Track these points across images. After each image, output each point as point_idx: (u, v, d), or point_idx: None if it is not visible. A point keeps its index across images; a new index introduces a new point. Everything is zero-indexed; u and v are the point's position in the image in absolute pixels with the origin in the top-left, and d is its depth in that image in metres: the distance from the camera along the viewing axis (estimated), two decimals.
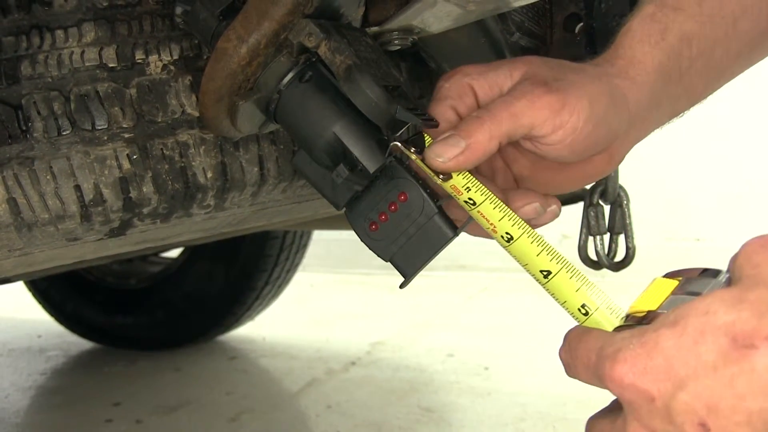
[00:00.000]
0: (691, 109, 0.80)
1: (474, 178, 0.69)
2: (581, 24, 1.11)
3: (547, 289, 0.68)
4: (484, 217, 0.69)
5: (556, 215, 0.74)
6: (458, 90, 0.73)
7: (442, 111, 0.73)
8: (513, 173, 0.78)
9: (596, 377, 0.59)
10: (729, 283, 0.58)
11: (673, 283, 0.63)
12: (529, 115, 0.69)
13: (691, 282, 0.63)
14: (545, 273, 0.67)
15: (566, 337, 0.65)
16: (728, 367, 0.50)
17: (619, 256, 1.33)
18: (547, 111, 0.69)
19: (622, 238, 1.32)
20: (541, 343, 2.54)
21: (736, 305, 0.52)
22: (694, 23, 0.74)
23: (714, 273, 0.63)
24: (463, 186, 0.69)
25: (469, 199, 0.69)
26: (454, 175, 0.69)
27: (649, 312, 0.62)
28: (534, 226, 0.70)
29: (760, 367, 0.49)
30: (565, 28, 1.13)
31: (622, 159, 0.77)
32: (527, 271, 0.69)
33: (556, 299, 0.68)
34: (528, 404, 2.01)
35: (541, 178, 0.76)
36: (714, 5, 0.75)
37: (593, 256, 1.32)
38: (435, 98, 0.74)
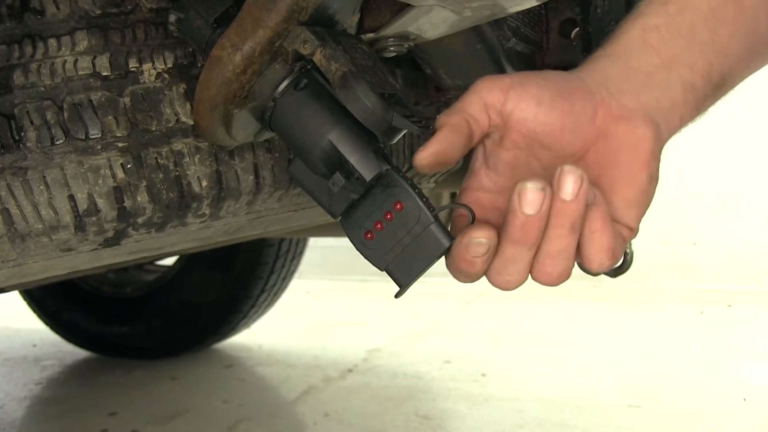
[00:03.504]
0: (720, 93, 0.79)
1: None
2: (577, 29, 1.11)
3: None
4: None
5: None
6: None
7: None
8: None
9: None
10: None
11: None
12: (485, 93, 0.71)
13: None
14: None
15: None
16: None
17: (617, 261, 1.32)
18: (497, 89, 0.71)
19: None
20: (539, 350, 2.54)
21: None
22: (658, 18, 0.76)
23: None
24: None
25: None
26: None
27: None
28: None
29: None
30: (561, 34, 1.13)
31: (645, 119, 0.72)
32: None
33: None
34: (526, 410, 2.01)
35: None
36: (680, 3, 0.76)
37: None
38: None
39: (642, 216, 0.73)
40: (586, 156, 0.73)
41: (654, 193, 0.73)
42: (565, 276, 0.69)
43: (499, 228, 0.68)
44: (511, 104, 0.71)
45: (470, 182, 0.76)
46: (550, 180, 0.66)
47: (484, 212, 0.74)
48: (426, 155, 0.70)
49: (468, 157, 0.76)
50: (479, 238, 0.67)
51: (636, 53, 0.75)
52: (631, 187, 0.72)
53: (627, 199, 0.72)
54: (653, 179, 0.72)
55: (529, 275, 0.70)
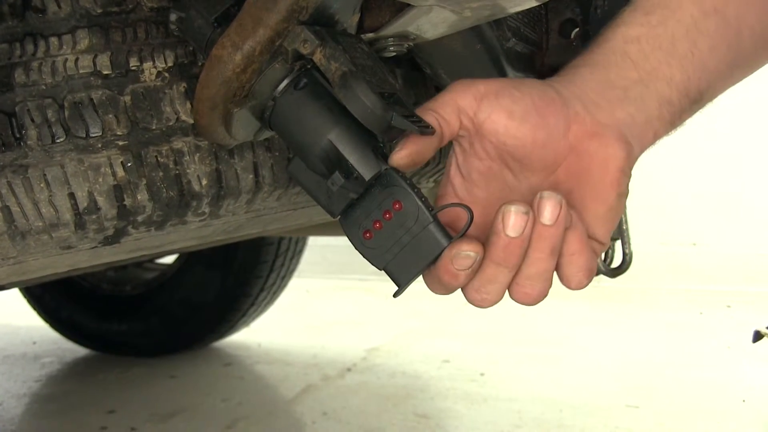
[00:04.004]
0: (696, 107, 0.79)
1: None
2: (577, 29, 1.11)
3: None
4: None
5: None
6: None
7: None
8: None
9: None
10: None
11: None
12: (458, 97, 0.72)
13: None
14: None
15: None
16: None
17: (616, 262, 1.33)
18: (471, 96, 0.72)
19: (618, 244, 1.32)
20: (538, 350, 2.55)
21: None
22: (640, 28, 0.76)
23: None
24: None
25: None
26: None
27: None
28: None
29: None
30: (561, 34, 1.13)
31: (617, 136, 0.73)
32: None
33: None
34: (524, 410, 2.01)
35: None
36: (663, 14, 0.76)
37: None
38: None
39: (611, 230, 0.75)
40: (558, 170, 0.74)
41: (623, 209, 0.75)
42: (543, 296, 0.71)
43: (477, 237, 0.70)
44: (483, 114, 0.72)
45: (446, 190, 0.77)
46: (529, 199, 0.68)
47: (460, 221, 0.74)
48: (403, 155, 0.71)
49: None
50: (468, 251, 0.68)
51: (614, 66, 0.75)
52: (601, 204, 0.73)
53: (597, 215, 0.73)
54: (622, 196, 0.73)
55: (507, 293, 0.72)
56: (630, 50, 0.75)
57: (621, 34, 0.77)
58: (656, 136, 0.77)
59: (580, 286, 0.71)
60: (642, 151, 0.76)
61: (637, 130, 0.74)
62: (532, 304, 0.72)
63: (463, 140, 0.75)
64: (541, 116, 0.72)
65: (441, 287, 0.72)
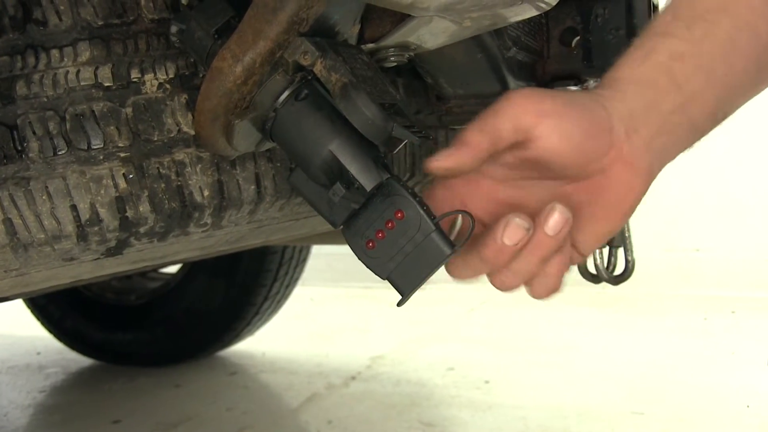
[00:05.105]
0: (715, 127, 0.79)
1: None
2: (578, 38, 1.12)
3: None
4: None
5: None
6: None
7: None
8: None
9: None
10: None
11: None
12: (519, 113, 0.71)
13: None
14: None
15: None
16: None
17: (619, 269, 1.33)
18: (533, 114, 0.71)
19: (621, 251, 1.32)
20: (542, 357, 2.54)
21: None
22: (684, 43, 0.74)
23: None
24: None
25: None
26: None
27: None
28: None
29: None
30: (562, 42, 1.13)
31: (647, 169, 0.74)
32: None
33: None
34: (529, 417, 2.00)
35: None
36: (705, 27, 0.74)
37: (592, 270, 1.31)
38: None
39: (597, 248, 0.76)
40: (580, 182, 0.74)
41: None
42: (514, 289, 0.74)
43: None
44: (541, 132, 0.70)
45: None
46: (535, 206, 0.70)
47: (453, 199, 0.76)
48: (439, 165, 0.70)
49: None
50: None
51: (662, 86, 0.74)
52: (605, 224, 0.74)
53: (598, 232, 0.74)
54: (626, 221, 0.75)
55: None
56: (675, 69, 0.74)
57: (666, 48, 0.74)
58: (673, 158, 0.77)
59: (538, 299, 0.75)
60: (658, 174, 0.76)
61: (664, 156, 0.75)
62: (504, 291, 0.74)
63: None
64: (589, 139, 0.71)
65: (474, 267, 0.73)
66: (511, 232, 0.68)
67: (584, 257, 0.76)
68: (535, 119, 0.70)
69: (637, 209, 0.74)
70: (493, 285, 0.74)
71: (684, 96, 0.74)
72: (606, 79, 0.76)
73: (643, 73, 0.75)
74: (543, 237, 0.68)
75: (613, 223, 0.74)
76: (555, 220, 0.68)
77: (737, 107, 0.80)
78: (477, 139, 0.70)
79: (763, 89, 0.81)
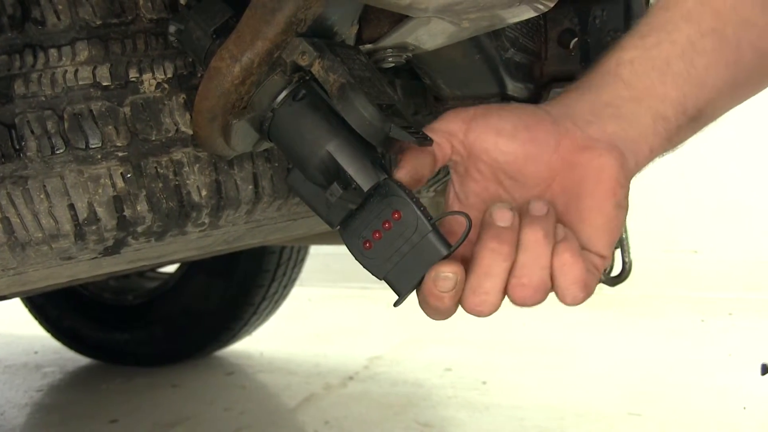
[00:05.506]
0: (696, 123, 0.79)
1: None
2: (576, 39, 1.12)
3: None
4: None
5: None
6: None
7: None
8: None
9: None
10: None
11: None
12: (448, 122, 0.76)
13: None
14: None
15: None
16: None
17: (616, 270, 1.33)
18: (460, 120, 0.76)
19: (618, 252, 1.32)
20: (540, 358, 2.54)
21: None
22: (634, 51, 0.78)
23: None
24: None
25: None
26: None
27: None
28: None
29: None
30: (560, 44, 1.13)
31: (611, 148, 0.74)
32: None
33: None
34: (526, 418, 2.01)
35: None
36: (659, 36, 0.77)
37: None
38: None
39: (613, 243, 0.76)
40: (552, 185, 0.75)
41: (623, 221, 0.75)
42: (541, 291, 0.71)
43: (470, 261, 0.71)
44: (473, 135, 0.75)
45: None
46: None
47: (460, 228, 0.75)
48: (402, 174, 0.73)
49: None
50: (447, 273, 0.69)
51: (606, 87, 0.77)
52: (598, 215, 0.73)
53: (595, 226, 0.74)
54: (620, 207, 0.74)
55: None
56: (622, 72, 0.77)
57: (615, 57, 0.78)
58: (653, 151, 0.77)
59: (576, 301, 0.71)
60: (639, 165, 0.76)
61: (630, 143, 0.75)
62: (530, 301, 0.72)
63: (457, 166, 0.77)
64: (530, 132, 0.73)
65: (432, 311, 0.73)
66: (499, 213, 0.70)
67: (605, 257, 0.74)
68: (462, 124, 0.75)
69: (627, 194, 0.74)
70: (516, 298, 0.72)
71: (633, 90, 0.76)
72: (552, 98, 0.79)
73: (586, 81, 0.78)
74: (534, 218, 0.70)
75: (606, 210, 0.73)
76: (537, 203, 0.71)
77: (723, 106, 0.81)
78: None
79: (750, 92, 0.82)
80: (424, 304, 0.73)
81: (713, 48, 0.77)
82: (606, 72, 0.78)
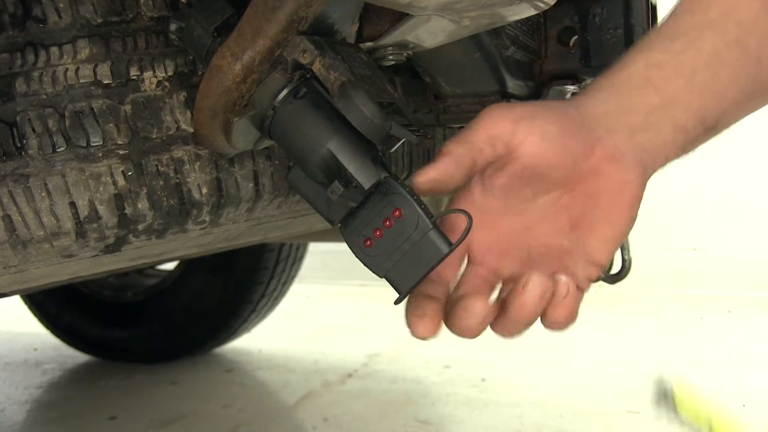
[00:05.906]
0: (712, 133, 0.80)
1: None
2: (576, 37, 1.12)
3: None
4: None
5: None
6: None
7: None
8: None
9: None
10: None
11: None
12: (493, 124, 0.74)
13: None
14: None
15: None
16: None
17: (615, 268, 1.33)
18: (507, 120, 0.73)
19: (617, 250, 1.32)
20: (538, 355, 2.54)
21: None
22: (663, 54, 0.77)
23: None
24: None
25: None
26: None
27: None
28: None
29: None
30: (560, 42, 1.13)
31: (636, 163, 0.75)
32: None
33: None
34: (525, 416, 2.01)
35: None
36: (686, 42, 0.76)
37: None
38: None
39: (614, 253, 0.77)
40: (575, 189, 0.75)
41: (629, 232, 0.77)
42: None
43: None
44: (520, 137, 0.73)
45: (463, 196, 0.78)
46: (539, 215, 0.75)
47: (460, 226, 0.75)
48: (424, 180, 0.72)
49: None
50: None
51: (636, 90, 0.76)
52: (611, 226, 0.75)
53: (605, 237, 0.75)
54: (633, 220, 0.76)
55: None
56: (653, 76, 0.76)
57: (644, 59, 0.77)
58: (667, 160, 0.78)
59: (560, 330, 0.78)
60: (653, 173, 0.77)
61: (651, 152, 0.75)
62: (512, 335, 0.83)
63: (488, 166, 0.76)
64: (570, 138, 0.73)
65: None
66: (533, 288, 0.73)
67: (601, 268, 0.76)
68: (510, 125, 0.73)
69: (639, 208, 0.75)
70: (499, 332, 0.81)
71: (662, 98, 0.75)
72: (582, 89, 0.78)
73: (617, 79, 0.77)
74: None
75: (619, 224, 0.75)
76: (562, 284, 0.73)
77: (735, 118, 0.81)
78: (456, 149, 0.72)
79: (763, 103, 0.82)
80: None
81: (737, 60, 0.76)
82: (636, 74, 0.77)
